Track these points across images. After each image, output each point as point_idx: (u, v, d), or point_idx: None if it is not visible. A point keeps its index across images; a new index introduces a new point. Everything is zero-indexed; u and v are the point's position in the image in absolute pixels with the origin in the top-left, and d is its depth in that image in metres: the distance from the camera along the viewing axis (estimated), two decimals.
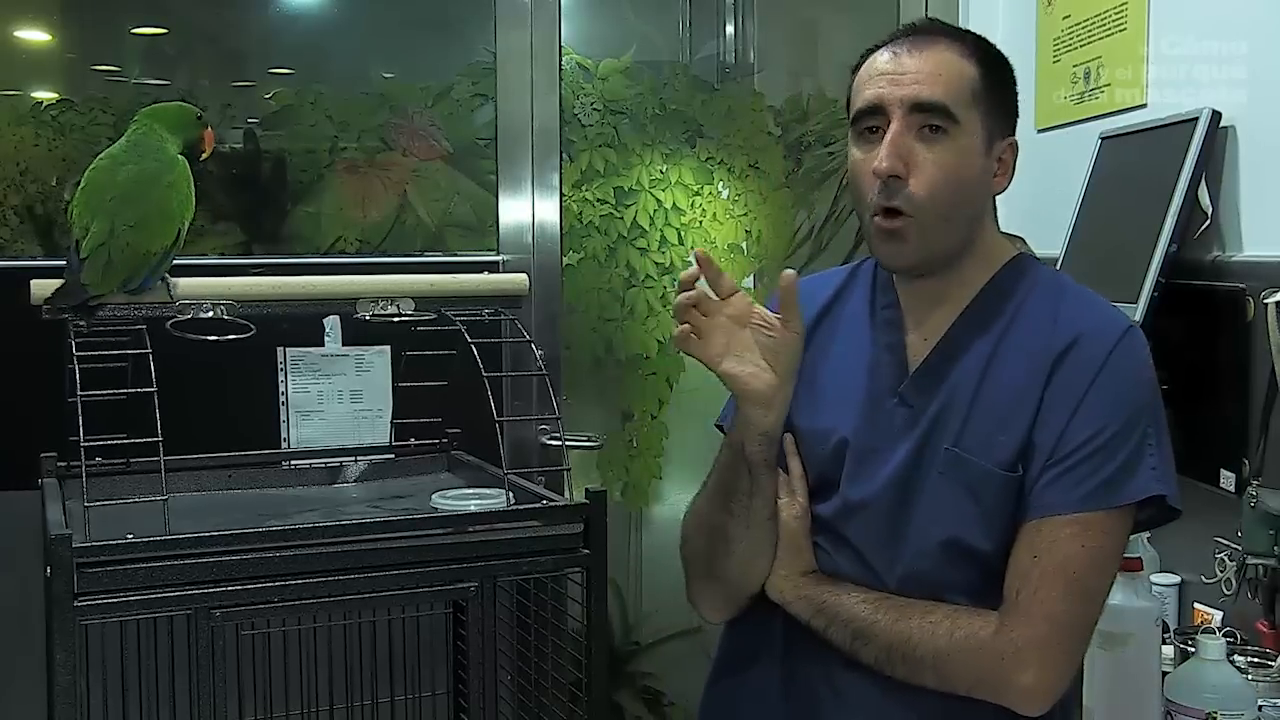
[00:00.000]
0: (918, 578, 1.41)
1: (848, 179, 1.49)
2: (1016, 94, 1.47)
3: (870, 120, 1.41)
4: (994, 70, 1.43)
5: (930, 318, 1.47)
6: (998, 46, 1.48)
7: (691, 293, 1.38)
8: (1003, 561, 1.38)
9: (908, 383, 1.45)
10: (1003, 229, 1.54)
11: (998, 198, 1.50)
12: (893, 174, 1.37)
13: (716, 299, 1.39)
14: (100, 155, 2.04)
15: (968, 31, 1.48)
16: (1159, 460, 1.38)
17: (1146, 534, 1.99)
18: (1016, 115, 1.48)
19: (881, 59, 1.43)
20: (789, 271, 1.37)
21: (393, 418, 2.29)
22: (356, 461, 2.24)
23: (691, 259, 1.41)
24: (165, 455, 1.68)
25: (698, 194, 3.03)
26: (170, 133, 2.06)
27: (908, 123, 1.38)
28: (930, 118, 1.38)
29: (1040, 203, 2.70)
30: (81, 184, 2.01)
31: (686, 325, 1.38)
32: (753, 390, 1.38)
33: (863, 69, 1.46)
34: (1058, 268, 2.36)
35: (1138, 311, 2.01)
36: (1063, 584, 1.34)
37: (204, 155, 2.13)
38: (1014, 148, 1.45)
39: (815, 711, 1.45)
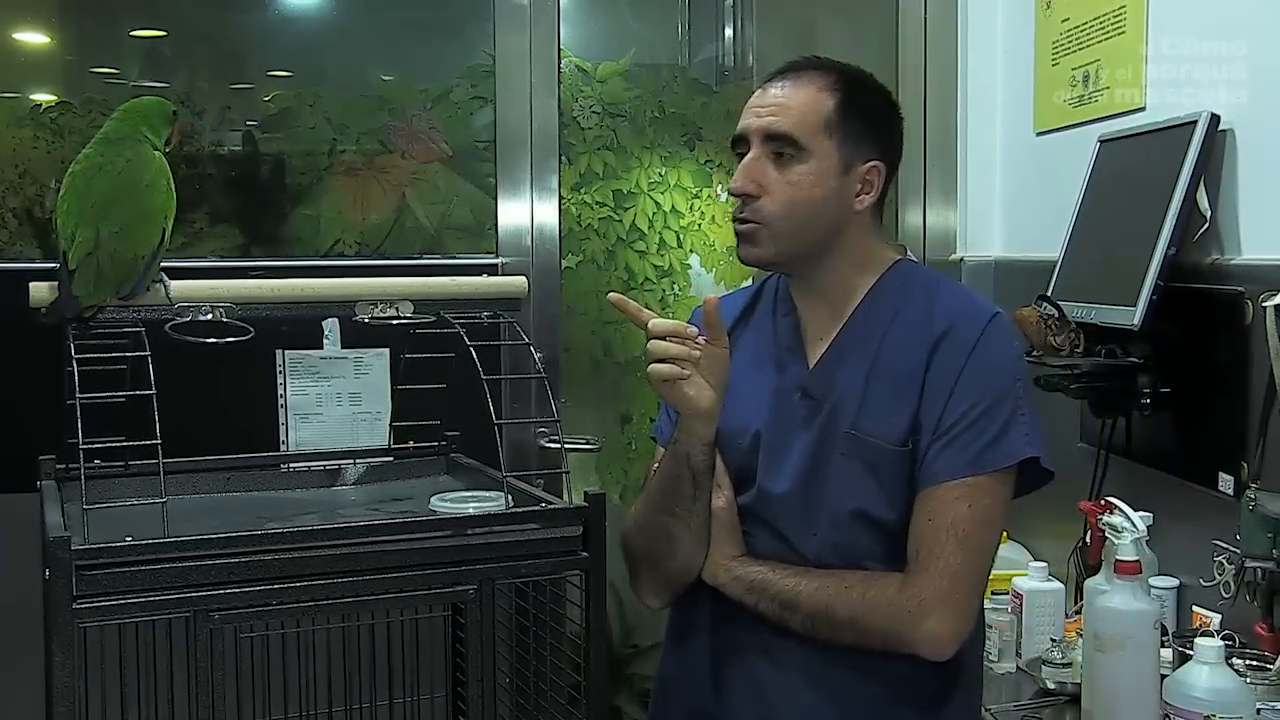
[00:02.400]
0: (833, 548, 1.58)
1: None
2: (887, 123, 1.65)
3: (740, 146, 1.64)
4: (854, 103, 1.60)
5: (824, 321, 1.65)
6: (875, 82, 1.65)
7: (695, 350, 1.54)
8: (904, 528, 1.56)
9: (807, 378, 1.63)
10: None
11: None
12: (743, 192, 1.60)
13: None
14: (76, 159, 2.03)
15: (843, 67, 1.64)
16: (1029, 428, 1.55)
17: (1145, 536, 1.99)
18: (889, 141, 1.64)
19: (755, 93, 1.64)
20: (711, 297, 1.55)
21: (391, 420, 2.29)
22: (355, 464, 2.23)
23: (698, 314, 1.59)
24: (164, 458, 1.68)
25: (696, 197, 3.04)
26: (148, 128, 2.06)
27: (764, 150, 1.60)
28: (782, 145, 1.58)
29: (1039, 205, 2.70)
30: (62, 191, 2.00)
31: (677, 369, 1.53)
32: (699, 408, 1.55)
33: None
34: (1056, 271, 2.36)
35: (1136, 314, 2.01)
36: (955, 541, 1.51)
37: (168, 148, 2.12)
38: (878, 170, 1.62)
39: (750, 674, 1.62)
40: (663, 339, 1.53)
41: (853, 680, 1.57)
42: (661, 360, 1.53)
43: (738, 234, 1.64)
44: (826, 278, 1.64)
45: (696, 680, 1.66)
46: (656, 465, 1.71)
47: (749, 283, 3.06)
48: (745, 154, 1.63)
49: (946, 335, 1.56)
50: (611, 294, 1.61)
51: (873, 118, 1.63)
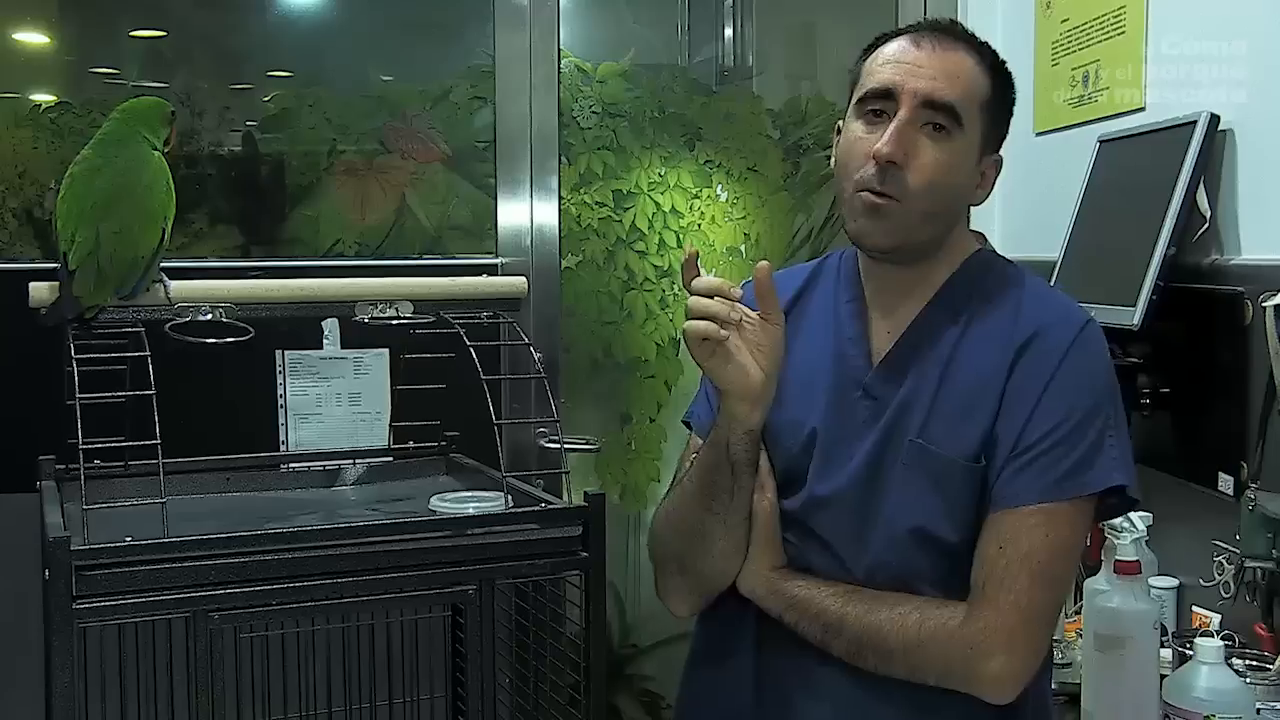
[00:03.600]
0: (885, 568, 1.43)
1: (837, 151, 1.50)
2: (1012, 114, 1.51)
3: (878, 103, 1.43)
4: (1002, 87, 1.47)
5: (895, 311, 1.49)
6: (1008, 69, 1.51)
7: (738, 313, 1.38)
8: (968, 551, 1.40)
9: (872, 375, 1.47)
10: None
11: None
12: (892, 160, 1.39)
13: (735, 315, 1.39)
14: (75, 159, 2.02)
15: (986, 43, 1.49)
16: (1118, 451, 1.40)
17: (1145, 536, 1.99)
18: (1006, 134, 1.51)
19: (901, 45, 1.44)
20: (764, 263, 1.39)
21: (391, 420, 2.29)
22: (355, 464, 2.23)
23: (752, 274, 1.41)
24: (164, 458, 1.68)
25: (696, 197, 3.04)
26: (147, 129, 2.06)
27: (916, 114, 1.40)
28: (938, 115, 1.40)
29: (1039, 206, 2.70)
30: (61, 193, 2.00)
31: (715, 326, 1.37)
32: (742, 385, 1.39)
33: (878, 52, 1.48)
34: (1056, 271, 2.36)
35: (1136, 314, 2.01)
36: (1028, 574, 1.36)
37: (167, 149, 2.12)
38: (998, 165, 1.49)
39: (787, 702, 1.47)
40: (705, 296, 1.36)
41: (893, 716, 1.42)
42: (700, 318, 1.36)
43: (871, 206, 1.41)
44: (911, 269, 1.48)
45: (734, 709, 1.51)
46: (693, 456, 1.55)
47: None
48: (878, 112, 1.42)
49: (1033, 341, 1.40)
50: (690, 249, 1.42)
51: (1010, 109, 1.49)
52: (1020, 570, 1.36)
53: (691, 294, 1.39)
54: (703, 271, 1.41)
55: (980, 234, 1.58)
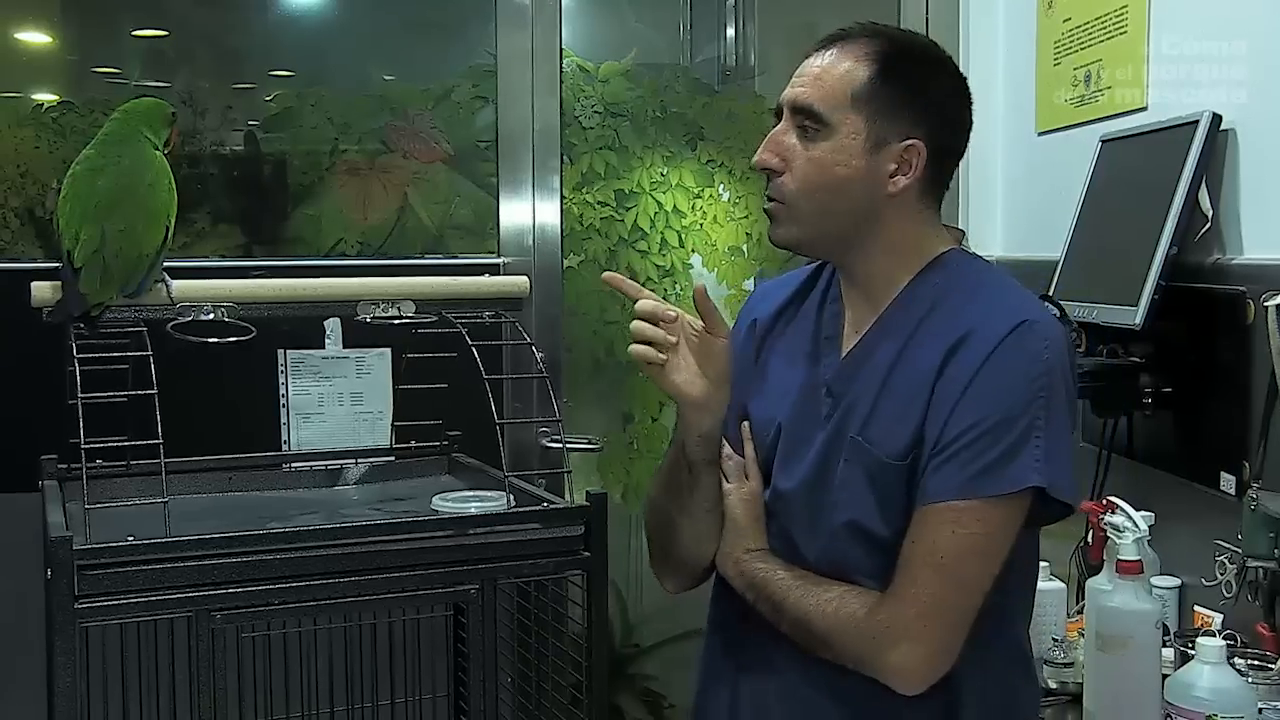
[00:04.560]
0: (830, 559, 1.48)
1: None
2: (937, 98, 1.49)
3: (776, 119, 1.52)
4: (894, 72, 1.46)
5: (862, 314, 1.53)
6: (933, 52, 1.52)
7: (672, 336, 1.49)
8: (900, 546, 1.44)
9: (832, 373, 1.53)
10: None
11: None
12: (763, 166, 1.49)
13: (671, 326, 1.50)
14: (77, 159, 2.03)
15: (893, 34, 1.52)
16: (1044, 452, 1.38)
17: (1147, 536, 1.99)
18: (936, 118, 1.48)
19: (801, 63, 1.52)
20: (699, 284, 1.51)
21: (393, 420, 2.30)
22: (357, 464, 2.24)
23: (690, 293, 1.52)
24: (166, 457, 1.68)
25: (698, 196, 3.04)
26: (148, 129, 2.06)
27: (788, 122, 1.49)
28: (803, 119, 1.47)
29: (1041, 205, 2.70)
30: (63, 192, 2.01)
31: (653, 351, 1.48)
32: (689, 396, 1.50)
33: None
34: (1057, 270, 2.36)
35: (1138, 314, 2.01)
36: (930, 568, 1.38)
37: (168, 150, 2.13)
38: (917, 150, 1.46)
39: (751, 671, 1.55)
40: (644, 321, 1.47)
41: (825, 705, 1.47)
42: (639, 341, 1.47)
43: (765, 211, 1.53)
44: (863, 267, 1.51)
45: (719, 676, 1.60)
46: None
47: (749, 283, 3.06)
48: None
49: (964, 341, 1.41)
50: (606, 273, 1.56)
51: (915, 90, 1.47)
52: (924, 565, 1.39)
53: (634, 316, 1.48)
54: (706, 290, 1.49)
55: (959, 231, 1.57)
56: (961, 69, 1.53)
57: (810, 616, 1.44)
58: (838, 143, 1.46)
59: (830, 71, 1.47)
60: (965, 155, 1.55)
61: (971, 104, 1.52)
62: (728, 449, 1.58)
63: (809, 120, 1.46)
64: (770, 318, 1.62)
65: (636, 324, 1.48)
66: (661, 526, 1.61)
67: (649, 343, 1.47)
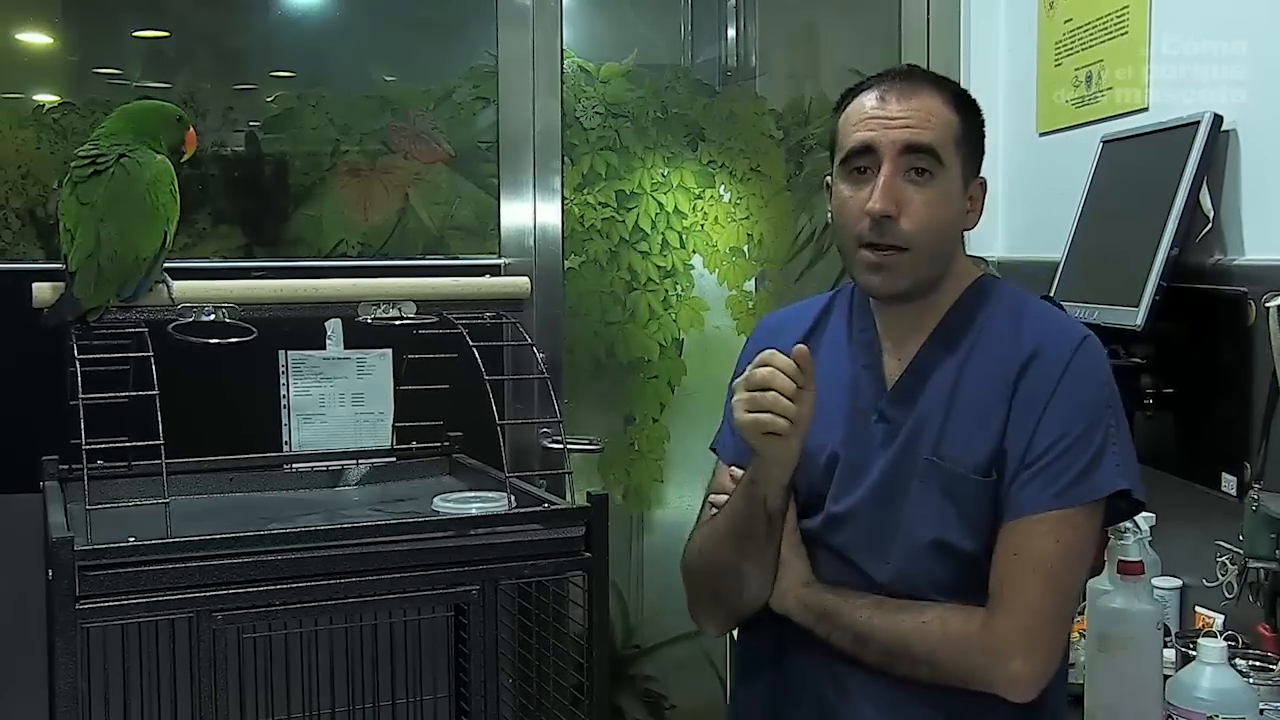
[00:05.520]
0: (906, 578, 1.50)
1: (831, 209, 1.57)
2: (984, 136, 1.59)
3: (860, 160, 1.50)
4: (970, 117, 1.56)
5: (905, 340, 1.57)
6: (971, 97, 1.58)
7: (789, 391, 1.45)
8: (985, 560, 1.48)
9: (885, 400, 1.55)
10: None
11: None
12: (886, 214, 1.47)
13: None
14: (74, 162, 2.02)
15: (947, 79, 1.58)
16: (1121, 457, 1.46)
17: (1148, 537, 1.99)
18: (983, 155, 1.59)
19: (869, 102, 1.52)
20: (802, 347, 1.46)
21: (394, 421, 2.30)
22: (358, 464, 2.24)
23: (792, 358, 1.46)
24: (167, 458, 1.68)
25: (699, 197, 3.03)
26: (146, 132, 2.05)
27: (898, 165, 1.48)
28: (919, 159, 1.48)
29: (1042, 206, 2.70)
30: (62, 195, 2.00)
31: (778, 421, 1.44)
32: (782, 456, 1.48)
33: (849, 110, 1.55)
34: (1059, 271, 2.36)
35: (1139, 315, 2.01)
36: (1040, 577, 1.44)
37: (185, 156, 2.12)
38: (983, 186, 1.57)
39: (819, 702, 1.53)
40: (766, 385, 1.44)
41: (928, 715, 1.48)
42: (760, 409, 1.44)
43: (874, 264, 1.50)
44: (920, 298, 1.55)
45: (764, 711, 1.59)
46: (718, 491, 1.62)
47: (750, 284, 3.06)
48: (862, 169, 1.50)
49: (1035, 358, 1.48)
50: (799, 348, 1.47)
51: (981, 134, 1.58)
52: (1033, 575, 1.44)
53: (757, 385, 1.45)
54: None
55: (981, 260, 1.67)
56: (963, 70, 1.57)
57: (909, 639, 1.46)
58: (946, 184, 1.50)
59: (937, 114, 1.50)
60: None
61: None
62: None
63: (927, 161, 1.48)
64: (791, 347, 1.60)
65: (759, 395, 1.44)
66: (720, 575, 1.58)
67: (768, 410, 1.44)
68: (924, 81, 1.53)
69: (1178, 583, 2.05)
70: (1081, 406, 1.46)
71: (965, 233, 1.60)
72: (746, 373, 1.47)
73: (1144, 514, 1.84)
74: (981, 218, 1.60)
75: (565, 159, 2.87)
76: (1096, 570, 1.98)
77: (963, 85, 1.59)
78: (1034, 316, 1.54)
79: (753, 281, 3.08)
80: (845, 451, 1.55)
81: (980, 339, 1.53)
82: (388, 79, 2.93)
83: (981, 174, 1.58)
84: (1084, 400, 1.47)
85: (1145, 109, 2.29)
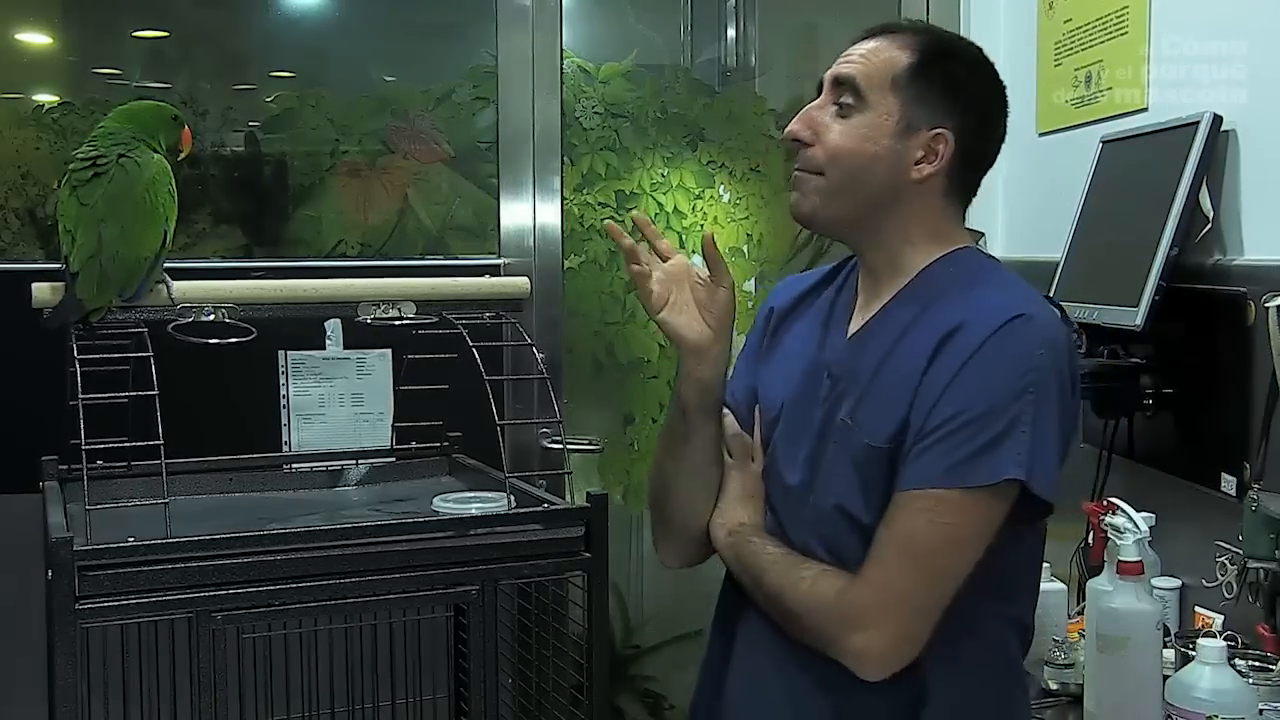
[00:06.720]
0: (820, 540, 1.47)
1: None
2: (976, 98, 1.51)
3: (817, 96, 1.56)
4: (932, 64, 1.49)
5: (870, 301, 1.55)
6: (977, 55, 1.53)
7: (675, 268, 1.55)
8: None
9: (834, 357, 1.54)
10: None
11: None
12: (795, 137, 1.52)
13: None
14: (71, 163, 2.02)
15: (939, 33, 1.56)
16: (1027, 448, 1.36)
17: (1148, 537, 1.99)
18: (973, 117, 1.50)
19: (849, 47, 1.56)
20: (708, 234, 1.54)
21: (394, 421, 2.29)
22: (358, 465, 2.24)
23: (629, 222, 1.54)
24: (166, 458, 1.68)
25: (699, 197, 3.04)
26: (144, 132, 2.05)
27: (829, 96, 1.52)
28: (843, 93, 1.50)
29: (1041, 206, 2.70)
30: (61, 196, 2.00)
31: (645, 272, 1.53)
32: (687, 340, 1.53)
33: None
34: (1058, 271, 2.36)
35: (1138, 315, 2.01)
36: (905, 555, 1.38)
37: (182, 155, 2.12)
38: (945, 139, 1.48)
39: (730, 648, 1.56)
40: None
41: (809, 686, 1.46)
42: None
43: (791, 181, 1.55)
44: (876, 253, 1.53)
45: (711, 659, 1.60)
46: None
47: (750, 284, 3.06)
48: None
49: (957, 331, 1.40)
50: (610, 224, 1.60)
51: (952, 85, 1.49)
52: (894, 551, 1.38)
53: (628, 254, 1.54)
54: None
55: (978, 233, 1.61)
56: None
57: (784, 592, 1.45)
58: (870, 120, 1.48)
59: (876, 54, 1.50)
60: None
61: (1007, 113, 1.54)
62: (737, 427, 1.60)
63: (848, 95, 1.49)
64: (789, 304, 1.65)
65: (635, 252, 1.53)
66: (659, 489, 1.62)
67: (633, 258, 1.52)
68: (895, 30, 1.54)
69: (1177, 583, 2.05)
70: (989, 386, 1.37)
71: (951, 201, 1.52)
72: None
73: (1143, 514, 1.84)
74: (945, 173, 1.49)
75: (565, 159, 2.87)
76: (1095, 570, 1.99)
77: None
78: (984, 289, 1.46)
79: (752, 282, 3.08)
80: (790, 405, 1.55)
81: (928, 308, 1.47)
82: (387, 79, 2.93)
83: (946, 129, 1.47)
84: (994, 380, 1.37)
85: (1145, 109, 2.29)
